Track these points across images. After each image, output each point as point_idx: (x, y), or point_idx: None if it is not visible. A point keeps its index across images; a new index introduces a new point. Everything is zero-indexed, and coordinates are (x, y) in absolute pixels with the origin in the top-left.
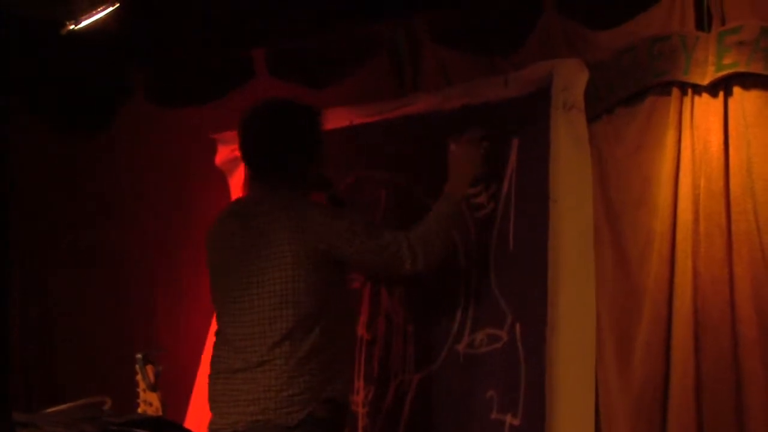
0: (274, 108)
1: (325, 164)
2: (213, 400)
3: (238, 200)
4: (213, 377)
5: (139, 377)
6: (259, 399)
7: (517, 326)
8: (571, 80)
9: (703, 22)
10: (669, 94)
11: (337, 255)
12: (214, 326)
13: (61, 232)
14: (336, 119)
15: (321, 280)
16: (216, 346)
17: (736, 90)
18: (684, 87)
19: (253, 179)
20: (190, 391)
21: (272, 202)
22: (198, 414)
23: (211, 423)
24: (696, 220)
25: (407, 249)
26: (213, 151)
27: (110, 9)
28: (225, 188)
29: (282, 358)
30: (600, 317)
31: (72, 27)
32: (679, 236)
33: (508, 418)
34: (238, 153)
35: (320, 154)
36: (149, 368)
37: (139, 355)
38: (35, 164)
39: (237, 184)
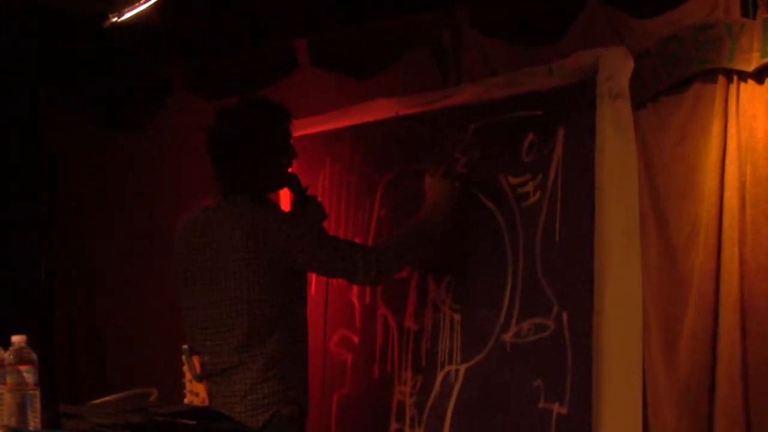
0: (233, 111)
1: (290, 163)
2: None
3: (201, 206)
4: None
5: (185, 368)
6: (226, 404)
7: (564, 315)
8: (617, 69)
9: (748, 9)
10: (714, 81)
11: (291, 261)
12: None
13: (108, 223)
14: (381, 110)
15: (276, 287)
16: (186, 353)
17: None
18: (729, 74)
19: (215, 179)
20: None
21: (228, 208)
22: None
23: None
24: (742, 207)
25: (362, 261)
26: None
27: (152, 1)
28: None
29: (244, 365)
30: (646, 305)
31: (115, 20)
32: (726, 224)
33: (556, 407)
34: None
35: (283, 154)
36: (195, 359)
37: (185, 346)
38: (80, 160)
39: None
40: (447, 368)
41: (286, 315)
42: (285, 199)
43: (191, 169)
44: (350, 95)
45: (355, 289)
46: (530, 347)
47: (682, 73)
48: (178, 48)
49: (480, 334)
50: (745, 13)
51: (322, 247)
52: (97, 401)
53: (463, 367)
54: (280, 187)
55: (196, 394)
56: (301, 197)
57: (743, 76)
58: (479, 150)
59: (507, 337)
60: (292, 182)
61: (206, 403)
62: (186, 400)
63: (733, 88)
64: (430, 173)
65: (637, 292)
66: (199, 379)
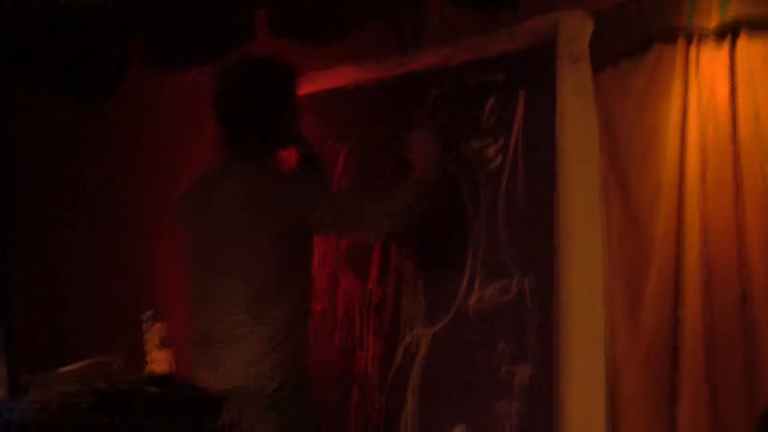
0: (242, 67)
1: (298, 122)
2: (194, 368)
3: (207, 167)
4: (193, 349)
5: (146, 336)
6: (236, 370)
7: (526, 279)
8: (577, 32)
9: None
10: (674, 43)
11: (301, 223)
12: None
13: (64, 195)
14: (340, 77)
15: (283, 251)
16: (190, 319)
17: (742, 37)
18: (689, 36)
19: (222, 142)
20: None
21: (236, 170)
22: None
23: None
24: (703, 170)
25: (372, 218)
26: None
27: None
28: None
29: (249, 332)
30: (608, 268)
31: None
32: (687, 187)
33: (519, 369)
34: None
35: (293, 114)
36: (158, 326)
37: (147, 314)
38: (37, 133)
39: None
40: (410, 334)
41: (293, 280)
42: None
43: (150, 138)
44: (311, 64)
45: (317, 257)
46: (493, 311)
47: (641, 35)
48: (132, 20)
49: (443, 300)
50: None
51: (332, 208)
52: (61, 369)
53: (426, 333)
54: (288, 146)
55: (159, 362)
56: (308, 157)
57: (703, 38)
58: (440, 115)
59: (470, 301)
60: (299, 142)
61: (171, 370)
62: (149, 368)
63: (692, 49)
64: (415, 131)
65: (598, 254)
66: (163, 346)
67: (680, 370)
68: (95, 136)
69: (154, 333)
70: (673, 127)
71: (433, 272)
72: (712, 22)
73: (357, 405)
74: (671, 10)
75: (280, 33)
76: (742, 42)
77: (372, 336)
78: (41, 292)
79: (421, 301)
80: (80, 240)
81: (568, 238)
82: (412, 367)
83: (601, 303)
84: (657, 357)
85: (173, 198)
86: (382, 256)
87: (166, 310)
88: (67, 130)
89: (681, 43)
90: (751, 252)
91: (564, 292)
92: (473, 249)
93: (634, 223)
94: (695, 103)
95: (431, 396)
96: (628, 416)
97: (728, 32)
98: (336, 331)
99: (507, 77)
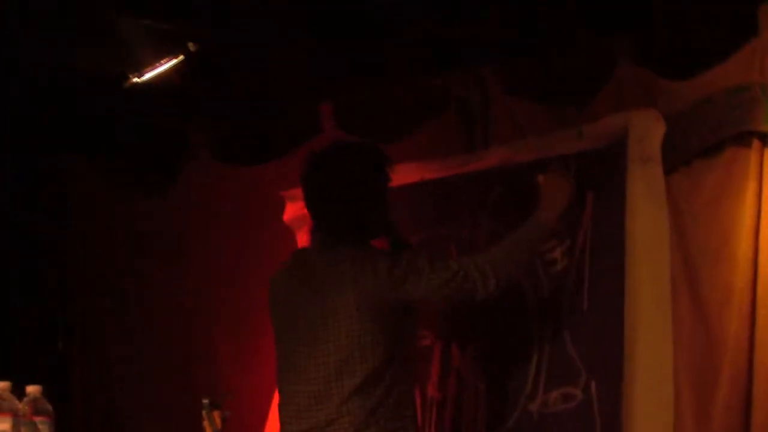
0: (338, 153)
1: (390, 209)
2: None
3: (299, 252)
4: None
5: (206, 423)
6: None
7: (593, 384)
8: (648, 132)
9: None
10: (749, 145)
11: (406, 301)
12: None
13: (127, 281)
14: (407, 174)
15: (389, 331)
16: (281, 405)
17: None
18: (764, 138)
19: (315, 228)
20: None
21: (334, 254)
22: None
23: None
24: None
25: (477, 273)
26: (280, 208)
27: (174, 62)
28: (292, 244)
29: (351, 414)
30: (678, 374)
31: (135, 80)
32: (760, 290)
33: None
34: (306, 210)
35: (386, 200)
36: (216, 413)
37: (205, 400)
38: (100, 218)
39: (305, 241)
40: None
41: (396, 358)
42: None
43: (213, 231)
44: None
45: None
46: (557, 417)
47: (715, 137)
48: (197, 112)
49: (505, 404)
50: None
51: (436, 274)
52: None
53: None
54: (381, 234)
55: None
56: (399, 245)
57: None
58: (505, 214)
59: (533, 407)
60: (392, 230)
61: None
62: None
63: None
64: (542, 172)
65: (668, 361)
66: None
67: None
68: (159, 226)
69: (213, 419)
70: (746, 229)
71: (495, 375)
72: None
73: None
74: (747, 110)
75: (345, 128)
76: None
77: None
78: (100, 377)
79: (483, 405)
80: (139, 326)
81: (637, 342)
82: None
83: (670, 408)
84: None
85: (264, 282)
86: (443, 358)
87: (224, 396)
88: (128, 216)
89: (756, 145)
90: None
91: (632, 398)
92: (538, 352)
93: (705, 325)
94: None
95: None
96: None
97: None
98: None
99: (574, 177)
